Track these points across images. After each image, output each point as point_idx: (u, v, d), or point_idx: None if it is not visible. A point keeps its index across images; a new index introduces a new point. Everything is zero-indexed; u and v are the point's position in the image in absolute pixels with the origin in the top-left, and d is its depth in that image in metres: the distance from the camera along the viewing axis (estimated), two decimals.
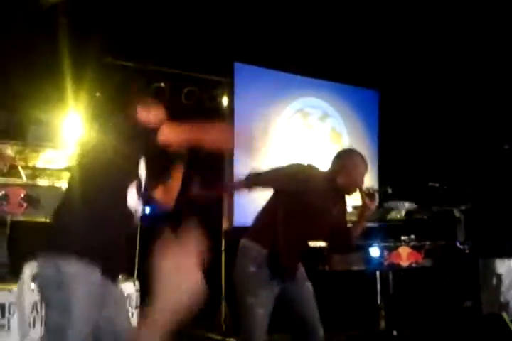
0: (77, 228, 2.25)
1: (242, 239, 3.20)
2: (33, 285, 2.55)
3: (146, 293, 4.66)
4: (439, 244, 5.05)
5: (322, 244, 4.62)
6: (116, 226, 2.35)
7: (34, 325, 3.56)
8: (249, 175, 3.26)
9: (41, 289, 2.26)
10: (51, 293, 2.19)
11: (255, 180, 3.23)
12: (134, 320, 4.49)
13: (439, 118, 7.10)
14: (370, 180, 7.17)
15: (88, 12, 5.17)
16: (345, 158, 3.23)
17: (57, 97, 5.02)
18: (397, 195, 6.19)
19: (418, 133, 7.20)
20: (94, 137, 2.50)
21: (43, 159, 4.41)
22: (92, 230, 2.25)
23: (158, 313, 1.99)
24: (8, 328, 3.56)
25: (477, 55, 6.45)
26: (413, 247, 4.89)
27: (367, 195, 3.20)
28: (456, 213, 5.28)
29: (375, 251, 4.62)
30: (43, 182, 4.43)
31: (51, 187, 4.45)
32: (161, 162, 2.69)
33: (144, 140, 2.39)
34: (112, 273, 2.34)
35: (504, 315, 4.06)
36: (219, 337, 5.45)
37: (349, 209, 3.62)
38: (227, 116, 6.30)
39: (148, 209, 5.64)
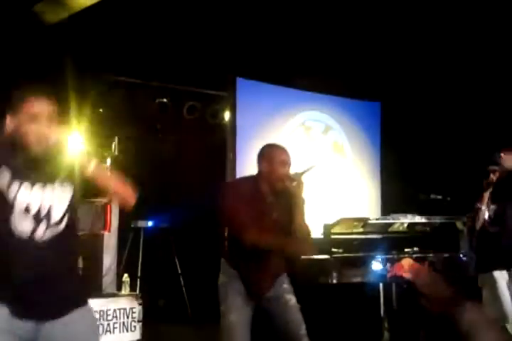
0: None
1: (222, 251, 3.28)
2: None
3: (148, 307, 4.69)
4: (443, 256, 5.04)
5: (324, 256, 4.63)
6: (16, 261, 2.08)
7: None
8: None
9: None
10: None
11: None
12: (137, 333, 4.50)
13: (441, 130, 7.11)
14: (372, 192, 7.23)
15: (91, 28, 5.23)
16: (260, 154, 3.23)
17: (60, 114, 5.06)
18: (400, 206, 6.21)
19: (420, 145, 7.21)
20: None
21: None
22: None
23: None
24: None
25: (478, 65, 6.47)
26: (416, 259, 4.87)
27: (294, 182, 3.11)
28: (459, 225, 5.26)
29: (376, 265, 4.61)
30: None
31: None
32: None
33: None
34: (36, 311, 2.08)
35: (508, 326, 4.03)
36: None
37: None
38: (229, 131, 6.33)
39: (150, 223, 5.69)
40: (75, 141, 4.92)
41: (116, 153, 5.08)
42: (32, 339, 2.09)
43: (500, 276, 4.17)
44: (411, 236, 5.30)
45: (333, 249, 4.76)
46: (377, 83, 7.06)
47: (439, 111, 7.11)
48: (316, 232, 5.12)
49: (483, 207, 4.27)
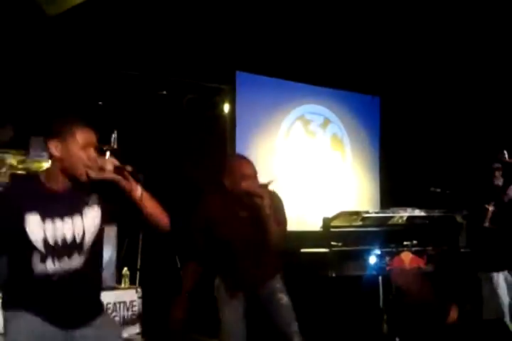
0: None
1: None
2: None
3: (148, 300, 4.70)
4: (442, 249, 5.05)
5: (323, 249, 4.64)
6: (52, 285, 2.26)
7: None
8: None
9: None
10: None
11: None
12: (137, 327, 4.52)
13: (440, 123, 7.11)
14: (372, 185, 7.24)
15: (91, 21, 5.21)
16: (225, 168, 3.20)
17: (59, 106, 5.06)
18: (399, 200, 6.22)
19: (419, 138, 7.21)
20: None
21: (45, 168, 4.44)
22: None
23: None
24: None
25: (477, 60, 6.47)
26: (415, 252, 4.89)
27: (255, 195, 3.01)
28: (458, 219, 5.28)
29: (375, 258, 4.63)
30: None
31: None
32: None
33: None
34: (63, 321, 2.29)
35: (506, 320, 4.06)
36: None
37: None
38: (228, 124, 6.33)
39: None
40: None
41: (115, 146, 5.07)
42: None
43: (501, 275, 4.19)
44: (410, 230, 5.32)
45: (333, 243, 4.77)
46: (377, 76, 7.05)
47: (437, 104, 7.11)
48: (316, 225, 5.13)
49: (490, 208, 4.29)
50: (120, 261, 5.01)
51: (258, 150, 6.40)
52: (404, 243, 4.98)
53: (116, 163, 2.25)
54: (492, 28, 6.00)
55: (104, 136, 5.47)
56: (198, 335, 4.97)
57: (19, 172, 4.45)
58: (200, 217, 3.16)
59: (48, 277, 2.23)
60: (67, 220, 2.25)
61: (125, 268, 4.78)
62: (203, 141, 6.44)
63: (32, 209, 2.20)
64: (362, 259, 4.69)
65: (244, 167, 3.09)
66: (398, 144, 7.30)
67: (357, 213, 5.32)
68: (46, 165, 4.38)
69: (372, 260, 4.63)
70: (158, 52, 5.86)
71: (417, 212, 5.27)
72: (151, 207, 2.34)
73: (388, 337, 4.67)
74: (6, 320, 2.27)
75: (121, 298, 4.47)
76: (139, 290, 4.50)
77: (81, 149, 2.22)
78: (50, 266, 2.22)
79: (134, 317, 4.44)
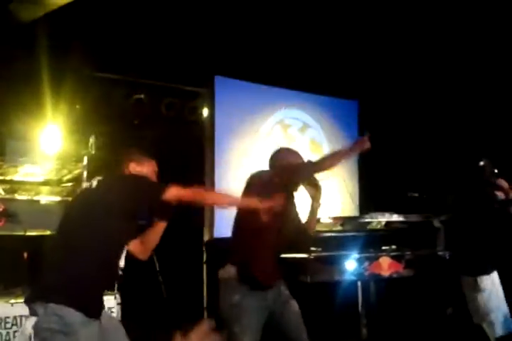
0: (82, 281, 2.43)
1: (219, 270, 3.21)
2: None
3: (127, 307, 4.64)
4: (420, 254, 5.09)
5: (303, 255, 4.64)
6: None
7: None
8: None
9: None
10: None
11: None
12: None
13: (418, 129, 7.18)
14: (351, 189, 7.25)
15: (67, 24, 5.16)
16: (276, 156, 3.34)
17: (36, 111, 5.00)
18: (378, 205, 6.25)
19: (397, 143, 7.27)
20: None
21: (21, 173, 4.38)
22: (93, 282, 2.48)
23: None
24: None
25: (454, 63, 6.54)
26: (394, 257, 4.91)
27: (310, 185, 3.21)
28: (436, 223, 5.32)
29: (354, 263, 4.64)
30: (21, 196, 4.40)
31: (30, 201, 4.42)
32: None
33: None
34: (99, 312, 2.52)
35: (484, 324, 4.10)
36: None
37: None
38: (207, 128, 6.31)
39: None
40: (52, 137, 4.85)
41: (93, 151, 5.01)
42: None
43: (485, 279, 4.23)
44: (388, 235, 5.35)
45: (312, 248, 4.78)
46: (355, 81, 7.09)
47: (415, 109, 7.17)
48: None
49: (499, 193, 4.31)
50: None
51: (237, 154, 6.39)
52: (383, 248, 5.00)
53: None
54: (467, 33, 6.07)
55: (82, 140, 5.41)
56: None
57: None
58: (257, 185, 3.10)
59: None
60: None
61: None
62: (182, 145, 6.41)
63: None
64: (341, 264, 4.70)
65: (298, 157, 3.29)
66: (376, 149, 7.33)
67: (336, 218, 5.34)
68: (22, 170, 4.33)
69: (352, 265, 4.64)
70: (136, 55, 5.83)
71: (395, 217, 5.30)
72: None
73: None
74: None
75: None
76: (117, 296, 4.44)
77: (149, 174, 2.79)
78: None
79: None
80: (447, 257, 4.90)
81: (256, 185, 3.14)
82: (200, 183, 6.18)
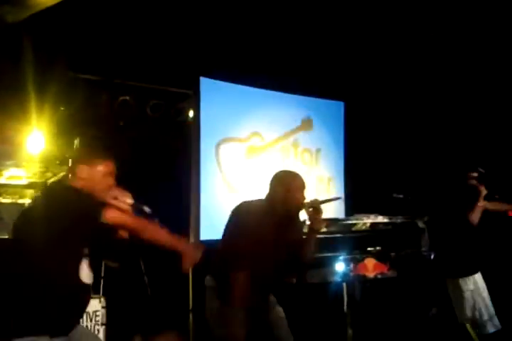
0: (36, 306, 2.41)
1: (207, 276, 3.25)
2: None
3: (112, 310, 4.64)
4: (404, 254, 5.12)
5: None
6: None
7: None
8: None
9: None
10: None
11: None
12: (100, 337, 4.45)
13: (404, 130, 7.22)
14: (336, 190, 7.28)
15: (51, 26, 5.13)
16: (276, 179, 3.26)
17: (20, 113, 4.97)
18: (363, 206, 6.28)
19: (383, 145, 7.30)
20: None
21: (5, 176, 4.36)
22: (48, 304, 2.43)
23: None
24: None
25: (441, 65, 6.58)
26: (379, 258, 4.94)
27: (310, 208, 3.20)
28: (420, 224, 5.36)
29: (340, 265, 4.67)
30: (5, 199, 4.39)
31: (14, 204, 4.41)
32: None
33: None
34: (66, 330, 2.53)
35: (468, 324, 4.14)
36: None
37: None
38: (193, 130, 6.29)
39: None
40: (36, 140, 4.83)
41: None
42: None
43: (467, 281, 4.27)
44: (373, 236, 5.38)
45: None
46: (341, 82, 7.11)
47: (402, 111, 7.21)
48: None
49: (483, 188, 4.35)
50: None
51: (223, 156, 6.39)
52: (368, 249, 5.03)
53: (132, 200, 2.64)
54: (454, 35, 6.11)
55: (66, 143, 5.39)
56: None
57: None
58: (248, 225, 3.09)
59: None
60: None
61: None
62: (167, 147, 6.40)
63: None
64: (327, 266, 4.72)
65: (299, 181, 3.26)
66: (362, 150, 7.37)
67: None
68: (7, 173, 4.31)
69: (340, 266, 4.67)
70: (122, 57, 5.81)
71: (380, 219, 5.34)
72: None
73: None
74: None
75: None
76: (102, 299, 4.43)
77: (103, 177, 2.63)
78: None
79: (97, 327, 4.37)
80: (431, 258, 4.94)
81: (244, 220, 3.14)
82: (185, 185, 6.19)
